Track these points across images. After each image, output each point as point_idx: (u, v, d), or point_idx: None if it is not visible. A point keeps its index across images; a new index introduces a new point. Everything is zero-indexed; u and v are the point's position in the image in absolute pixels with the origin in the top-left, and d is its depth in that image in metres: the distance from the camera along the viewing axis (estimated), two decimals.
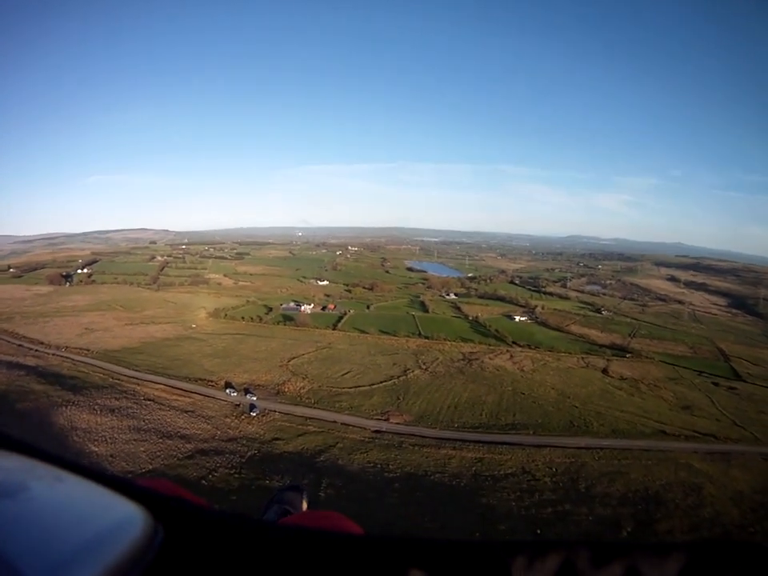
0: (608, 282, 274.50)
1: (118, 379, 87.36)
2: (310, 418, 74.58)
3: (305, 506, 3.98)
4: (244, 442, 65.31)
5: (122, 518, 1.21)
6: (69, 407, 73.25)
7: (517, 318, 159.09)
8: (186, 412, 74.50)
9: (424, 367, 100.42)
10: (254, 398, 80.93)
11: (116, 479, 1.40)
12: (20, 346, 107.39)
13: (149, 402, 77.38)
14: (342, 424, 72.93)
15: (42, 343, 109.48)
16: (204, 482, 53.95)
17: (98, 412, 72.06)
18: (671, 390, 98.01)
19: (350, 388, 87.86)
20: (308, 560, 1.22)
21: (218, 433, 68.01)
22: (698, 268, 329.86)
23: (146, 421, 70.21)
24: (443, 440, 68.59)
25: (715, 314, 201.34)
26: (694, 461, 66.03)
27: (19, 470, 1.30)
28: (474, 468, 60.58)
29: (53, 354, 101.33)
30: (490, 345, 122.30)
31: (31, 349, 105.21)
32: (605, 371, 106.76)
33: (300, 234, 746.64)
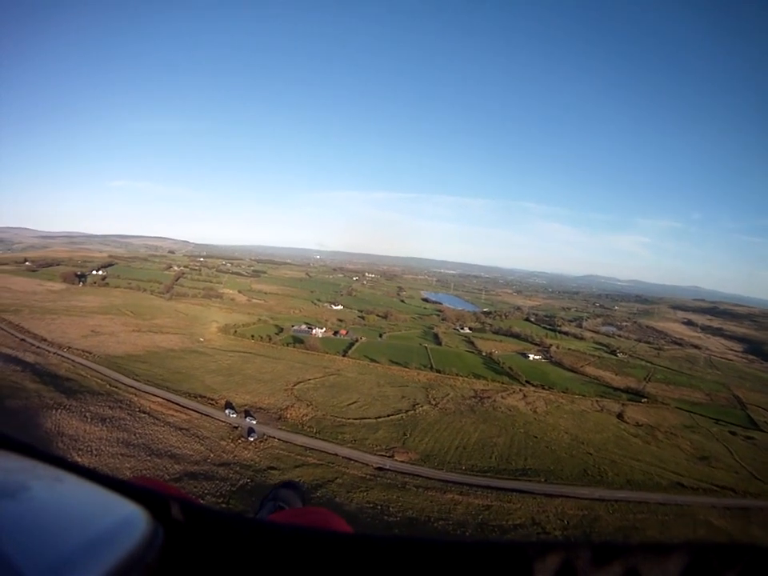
0: (624, 323, 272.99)
1: (116, 387, 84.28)
2: (310, 449, 70.68)
3: (300, 504, 3.83)
4: (237, 468, 61.53)
5: (123, 518, 1.21)
6: (59, 411, 70.08)
7: (531, 357, 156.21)
8: (181, 430, 70.93)
9: (434, 403, 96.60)
10: (254, 422, 77.25)
11: (116, 480, 1.41)
12: (22, 340, 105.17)
13: (143, 415, 73.96)
14: (343, 458, 68.94)
15: (45, 340, 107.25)
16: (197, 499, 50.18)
17: (89, 420, 68.72)
18: (688, 438, 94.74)
19: (355, 419, 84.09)
20: (308, 560, 1.23)
21: (211, 456, 64.25)
22: (715, 312, 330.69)
23: (137, 435, 66.76)
24: (449, 483, 64.51)
25: (731, 360, 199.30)
26: (713, 517, 62.86)
27: (20, 471, 1.31)
28: (480, 516, 56.53)
29: (54, 353, 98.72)
30: (502, 383, 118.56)
31: (33, 345, 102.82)
32: (620, 416, 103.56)
33: (318, 256, 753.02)
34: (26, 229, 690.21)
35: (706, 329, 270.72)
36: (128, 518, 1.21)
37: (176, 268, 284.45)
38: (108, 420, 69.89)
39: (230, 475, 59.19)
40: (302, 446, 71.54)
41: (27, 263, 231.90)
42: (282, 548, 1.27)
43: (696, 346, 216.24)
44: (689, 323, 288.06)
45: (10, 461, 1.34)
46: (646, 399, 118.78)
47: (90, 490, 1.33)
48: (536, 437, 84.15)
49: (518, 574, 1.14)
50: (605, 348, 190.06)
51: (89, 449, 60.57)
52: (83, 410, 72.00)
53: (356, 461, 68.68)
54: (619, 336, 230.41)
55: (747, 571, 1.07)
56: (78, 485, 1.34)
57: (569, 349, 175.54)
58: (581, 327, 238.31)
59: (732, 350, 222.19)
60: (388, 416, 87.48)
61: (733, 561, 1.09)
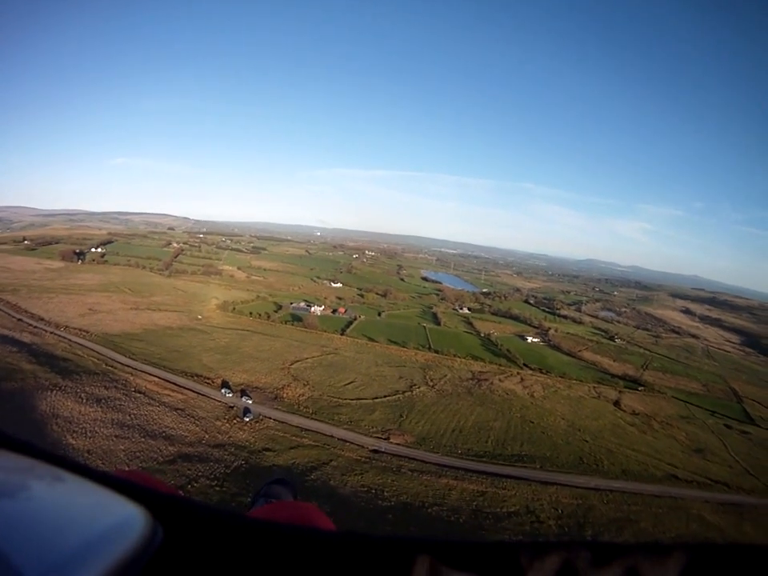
0: (623, 309, 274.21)
1: (112, 366, 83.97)
2: (305, 430, 70.59)
3: (290, 499, 3.80)
4: (232, 449, 61.39)
5: (122, 517, 1.20)
6: (55, 392, 69.80)
7: (529, 339, 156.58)
8: (176, 410, 70.72)
9: (431, 384, 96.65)
10: (250, 402, 77.04)
11: (116, 479, 1.39)
12: (19, 320, 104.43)
13: (138, 395, 73.73)
14: (338, 439, 68.84)
15: (42, 320, 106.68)
16: (181, 492, 49.66)
17: (84, 401, 68.49)
18: (683, 429, 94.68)
19: (352, 400, 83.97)
20: (306, 559, 1.20)
21: (206, 437, 64.09)
22: (714, 303, 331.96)
23: (132, 416, 66.53)
24: (445, 467, 64.56)
25: (728, 351, 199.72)
26: (706, 512, 62.83)
27: (19, 470, 1.32)
28: (475, 503, 56.49)
29: (50, 333, 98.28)
30: (500, 365, 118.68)
31: (30, 324, 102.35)
32: (617, 404, 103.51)
33: (318, 233, 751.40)
34: (25, 207, 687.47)
35: (704, 318, 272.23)
36: (127, 518, 1.20)
37: (175, 245, 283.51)
38: (103, 401, 69.73)
39: (225, 457, 59.10)
40: (297, 426, 71.45)
41: (26, 242, 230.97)
42: (280, 547, 1.24)
43: (694, 336, 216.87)
44: (687, 312, 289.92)
45: (9, 460, 1.34)
46: (642, 387, 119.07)
47: (90, 489, 1.32)
48: (533, 422, 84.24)
49: (517, 574, 1.12)
50: (603, 333, 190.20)
51: (83, 431, 60.39)
52: (79, 390, 71.89)
53: (351, 443, 68.70)
54: (618, 322, 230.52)
55: (747, 571, 1.06)
56: (77, 484, 1.33)
57: (567, 333, 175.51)
58: (580, 311, 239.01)
59: (729, 341, 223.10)
60: (385, 397, 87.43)
61: (733, 561, 1.09)
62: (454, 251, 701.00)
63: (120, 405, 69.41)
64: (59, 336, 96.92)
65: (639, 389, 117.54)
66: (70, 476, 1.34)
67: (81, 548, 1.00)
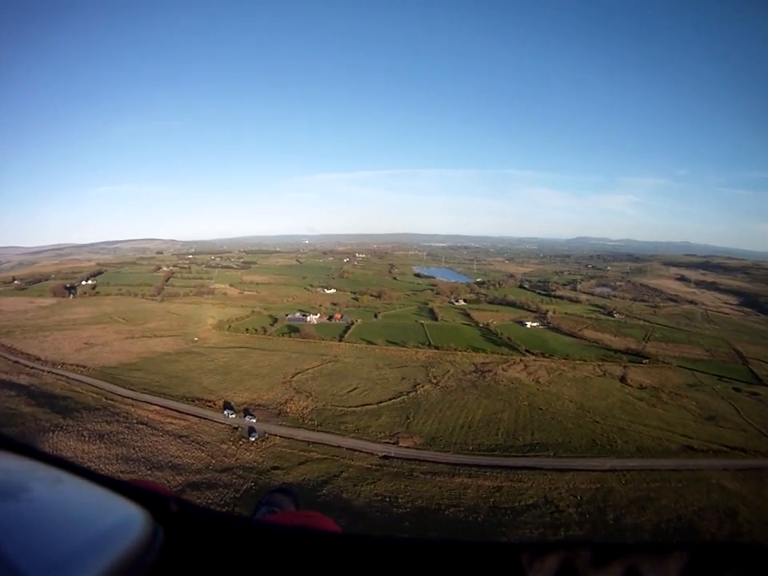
0: (618, 283, 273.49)
1: (112, 399, 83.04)
2: (313, 443, 69.60)
3: (293, 509, 3.79)
4: (240, 472, 60.42)
5: (123, 519, 1.22)
6: (56, 432, 68.94)
7: (528, 324, 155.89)
8: (180, 437, 69.74)
9: (435, 381, 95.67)
10: (254, 420, 76.21)
11: (116, 481, 1.42)
12: (16, 362, 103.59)
13: (141, 426, 72.75)
14: (347, 449, 67.78)
15: (38, 359, 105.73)
16: None
17: (86, 438, 67.57)
18: (693, 398, 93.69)
19: (357, 407, 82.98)
20: (307, 561, 1.23)
21: (213, 462, 63.08)
22: (708, 267, 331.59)
23: (136, 449, 65.54)
24: (457, 466, 63.46)
25: (727, 314, 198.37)
26: (726, 480, 61.61)
27: (21, 471, 1.32)
28: (491, 499, 55.52)
29: (48, 372, 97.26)
30: (502, 354, 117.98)
31: (27, 366, 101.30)
32: (623, 380, 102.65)
33: (307, 241, 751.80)
34: (12, 247, 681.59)
35: (699, 284, 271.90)
36: (128, 519, 1.21)
37: (165, 268, 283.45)
38: (106, 436, 68.72)
39: (233, 480, 58.25)
40: (304, 440, 70.55)
41: (16, 282, 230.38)
42: (281, 548, 1.26)
43: (691, 302, 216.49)
44: (682, 279, 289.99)
45: (11, 461, 1.36)
46: (647, 360, 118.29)
47: (90, 491, 1.33)
48: (541, 408, 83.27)
49: (517, 574, 1.13)
50: (601, 309, 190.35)
51: None
52: (80, 428, 70.91)
53: (360, 451, 67.76)
54: (614, 296, 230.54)
55: (747, 571, 1.07)
56: (78, 485, 1.34)
57: (565, 313, 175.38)
58: (575, 290, 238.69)
59: (727, 303, 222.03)
60: (389, 400, 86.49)
61: (733, 561, 1.09)
62: (444, 244, 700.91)
63: (123, 438, 68.41)
64: (57, 374, 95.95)
65: (643, 362, 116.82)
66: (71, 477, 1.35)
67: (82, 549, 1.02)
